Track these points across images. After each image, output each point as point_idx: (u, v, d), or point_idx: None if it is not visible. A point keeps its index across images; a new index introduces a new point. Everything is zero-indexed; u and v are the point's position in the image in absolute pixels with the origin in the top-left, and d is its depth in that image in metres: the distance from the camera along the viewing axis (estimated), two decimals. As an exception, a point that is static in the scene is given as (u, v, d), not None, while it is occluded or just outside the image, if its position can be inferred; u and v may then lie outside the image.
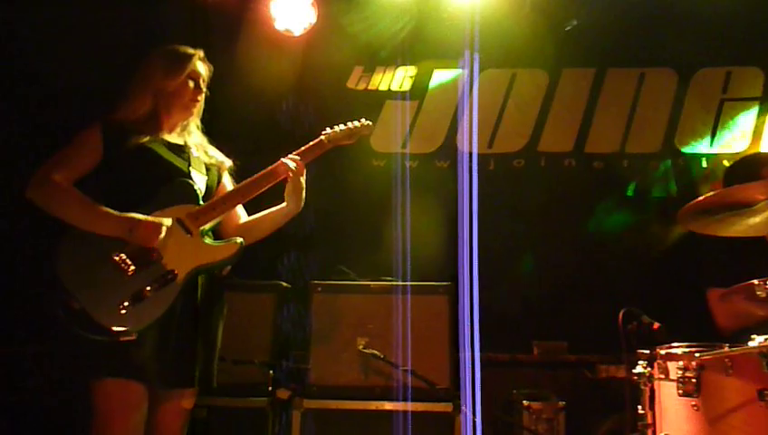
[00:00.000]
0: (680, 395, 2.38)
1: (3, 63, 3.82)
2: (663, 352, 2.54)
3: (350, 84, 4.72)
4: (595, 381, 3.66)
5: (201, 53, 2.42)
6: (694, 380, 2.35)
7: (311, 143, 2.52)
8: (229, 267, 2.37)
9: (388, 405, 3.23)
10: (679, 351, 2.48)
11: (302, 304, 3.49)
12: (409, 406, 3.21)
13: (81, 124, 2.31)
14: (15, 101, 3.90)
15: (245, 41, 4.26)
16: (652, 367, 2.57)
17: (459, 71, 4.69)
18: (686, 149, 4.49)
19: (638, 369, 2.59)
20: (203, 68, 2.42)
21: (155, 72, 2.35)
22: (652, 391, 2.55)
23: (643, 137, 4.53)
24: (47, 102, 3.90)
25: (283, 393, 3.13)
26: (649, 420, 2.54)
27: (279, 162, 2.41)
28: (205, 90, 2.43)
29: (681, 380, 2.39)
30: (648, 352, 2.61)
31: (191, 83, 2.37)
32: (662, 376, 2.50)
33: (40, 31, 3.79)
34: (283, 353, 3.45)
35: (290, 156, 2.44)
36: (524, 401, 3.55)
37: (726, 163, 4.35)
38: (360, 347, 3.29)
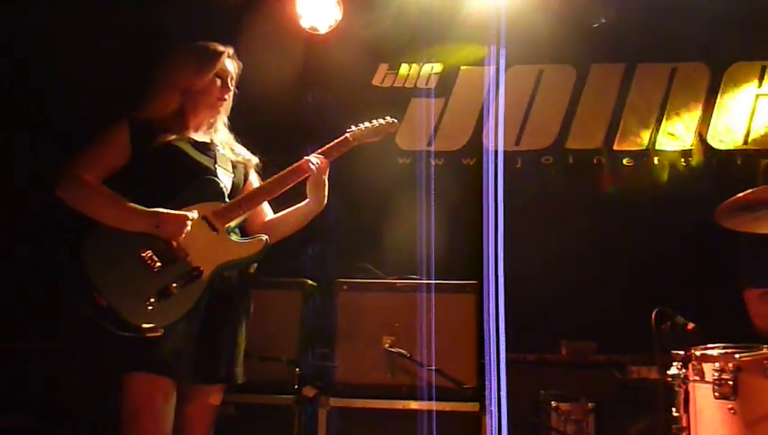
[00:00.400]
0: (716, 398, 2.32)
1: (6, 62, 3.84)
2: (698, 353, 2.47)
3: (376, 82, 4.69)
4: (625, 383, 3.58)
5: (230, 51, 2.40)
6: (731, 382, 2.29)
7: (336, 141, 2.49)
8: (255, 265, 2.36)
9: (414, 404, 3.21)
10: (715, 352, 2.41)
11: (328, 301, 3.48)
12: (435, 405, 3.18)
13: (92, 121, 2.31)
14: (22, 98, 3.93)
15: (271, 38, 4.25)
16: (687, 369, 2.50)
17: (485, 67, 4.63)
18: (720, 146, 4.37)
19: (673, 370, 2.52)
20: (232, 65, 2.39)
21: (182, 69, 2.33)
22: (687, 393, 2.48)
23: (674, 134, 4.43)
24: (55, 100, 3.92)
25: (309, 391, 3.11)
26: (684, 424, 2.47)
27: (303, 160, 2.39)
28: (233, 88, 2.41)
29: (717, 382, 2.33)
30: (682, 353, 2.54)
31: (219, 81, 2.35)
32: (697, 378, 2.44)
33: (47, 27, 3.81)
34: (309, 351, 3.43)
35: (314, 154, 2.42)
36: (553, 402, 3.49)
37: (764, 161, 4.24)
38: (386, 346, 3.27)
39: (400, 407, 3.21)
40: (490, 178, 4.28)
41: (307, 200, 2.42)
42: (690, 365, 2.49)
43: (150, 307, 2.09)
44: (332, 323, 3.39)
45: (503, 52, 4.44)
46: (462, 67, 4.65)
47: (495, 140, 4.53)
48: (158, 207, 2.19)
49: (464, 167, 4.54)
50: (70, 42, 3.76)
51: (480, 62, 4.62)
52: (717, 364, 2.33)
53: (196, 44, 2.40)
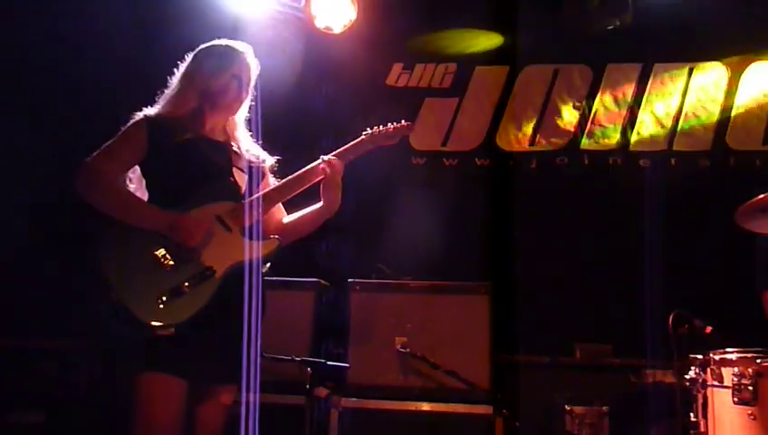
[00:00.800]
0: (735, 403, 2.28)
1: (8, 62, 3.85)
2: (717, 357, 2.43)
3: (390, 81, 4.67)
4: (641, 387, 3.53)
5: (249, 51, 2.39)
6: (750, 387, 2.25)
7: (351, 143, 2.48)
8: (268, 265, 2.34)
9: (426, 406, 3.18)
10: (735, 356, 2.37)
11: (341, 302, 3.46)
12: (448, 407, 3.16)
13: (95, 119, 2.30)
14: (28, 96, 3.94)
15: (286, 38, 4.25)
16: (705, 373, 2.46)
17: (500, 67, 4.60)
18: (738, 147, 4.30)
19: (691, 374, 2.47)
20: (250, 66, 2.39)
21: (200, 69, 2.34)
22: (705, 398, 2.44)
23: (692, 134, 4.36)
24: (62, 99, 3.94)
25: (322, 392, 3.10)
26: (702, 429, 2.43)
27: (317, 161, 2.38)
28: (251, 88, 2.40)
29: (737, 387, 2.29)
30: (700, 356, 2.50)
31: (236, 82, 2.35)
32: (716, 383, 2.40)
33: (56, 24, 3.82)
34: (321, 351, 3.42)
35: (329, 155, 2.41)
36: (566, 406, 3.45)
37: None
38: (399, 347, 3.25)
39: (413, 408, 3.18)
40: (505, 179, 4.26)
41: (321, 202, 2.40)
42: (708, 369, 2.44)
43: (162, 305, 2.08)
44: (345, 324, 3.37)
45: (518, 51, 4.43)
46: (477, 67, 4.62)
47: (511, 140, 4.51)
48: (172, 204, 2.19)
49: (478, 167, 4.51)
50: (87, 36, 3.78)
51: (495, 62, 4.59)
52: (737, 369, 2.29)
53: (214, 45, 2.40)
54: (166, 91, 2.37)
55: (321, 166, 2.36)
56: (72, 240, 2.82)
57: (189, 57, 2.39)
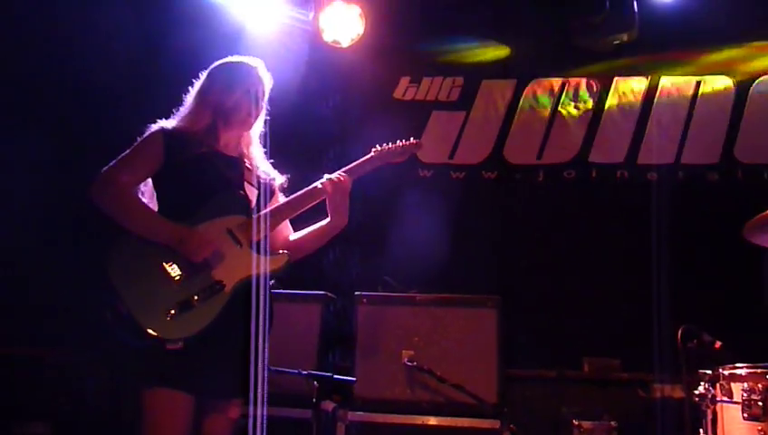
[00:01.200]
0: (745, 419, 2.27)
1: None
2: (726, 372, 2.42)
3: (397, 95, 4.70)
4: (650, 402, 3.51)
5: (262, 67, 2.42)
6: (760, 403, 2.24)
7: (360, 160, 2.49)
8: (274, 281, 2.36)
9: (433, 420, 3.17)
10: (744, 371, 2.35)
11: (348, 315, 3.46)
12: (456, 422, 3.15)
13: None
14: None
15: (293, 52, 4.29)
16: (714, 388, 2.45)
17: (507, 80, 4.62)
18: (746, 160, 4.30)
19: (700, 390, 2.46)
20: (263, 81, 2.42)
21: (214, 86, 2.37)
22: (714, 413, 2.42)
23: (700, 147, 4.36)
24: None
25: (328, 405, 3.09)
26: (712, 445, 2.41)
27: (323, 179, 2.40)
28: (264, 104, 2.43)
29: (746, 402, 2.27)
30: (709, 372, 2.49)
31: (249, 98, 2.38)
32: (725, 398, 2.39)
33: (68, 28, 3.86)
34: (327, 365, 3.42)
35: (337, 172, 2.42)
36: (574, 420, 3.43)
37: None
38: (406, 360, 3.24)
39: (420, 423, 3.17)
40: (513, 192, 4.25)
41: (328, 219, 2.42)
42: (718, 385, 2.43)
43: (171, 319, 2.09)
44: (352, 337, 3.37)
45: (524, 64, 4.44)
46: (484, 80, 4.64)
47: (519, 153, 4.51)
48: (183, 217, 2.22)
49: (485, 180, 4.52)
50: (103, 45, 3.81)
51: (502, 75, 4.61)
52: (746, 384, 2.28)
53: (228, 61, 2.43)
54: (181, 107, 2.40)
55: (326, 184, 2.37)
56: (81, 249, 2.85)
57: (204, 74, 2.42)
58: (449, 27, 4.52)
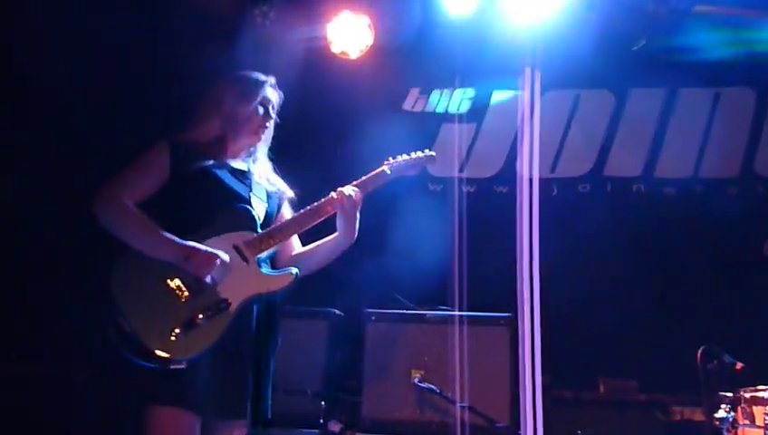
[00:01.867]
0: (769, 444, 2.24)
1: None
2: (748, 395, 2.40)
3: (406, 107, 4.72)
4: (668, 425, 3.49)
5: (272, 80, 2.45)
6: (784, 428, 2.21)
7: (372, 173, 2.49)
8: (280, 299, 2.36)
9: (443, 442, 3.16)
10: (767, 395, 2.34)
11: (356, 333, 3.46)
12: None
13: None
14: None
15: (301, 64, 4.32)
16: (735, 411, 2.43)
17: (519, 92, 4.63)
18: (768, 175, 4.29)
19: (721, 413, 2.45)
20: (273, 95, 2.45)
21: (226, 97, 2.39)
22: (736, 438, 2.41)
23: (719, 161, 4.36)
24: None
25: (335, 426, 3.09)
26: (733, 471, 2.39)
27: (336, 192, 2.40)
28: (274, 116, 2.45)
29: (770, 427, 2.25)
30: (730, 394, 2.47)
31: (261, 110, 2.40)
32: (747, 422, 2.38)
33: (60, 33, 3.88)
34: (335, 384, 3.42)
35: (348, 186, 2.43)
36: (590, 444, 3.41)
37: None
38: (415, 380, 3.24)
39: (429, 445, 3.16)
40: (525, 207, 4.25)
41: (336, 234, 2.42)
42: (739, 408, 2.42)
43: (175, 338, 2.10)
44: (360, 356, 3.37)
45: (537, 76, 4.44)
46: (495, 92, 4.66)
47: (531, 167, 4.51)
48: (190, 232, 2.22)
49: (497, 194, 4.52)
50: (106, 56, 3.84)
51: (514, 87, 4.62)
52: (769, 408, 2.26)
53: (240, 74, 2.46)
54: (189, 116, 2.41)
55: (338, 198, 2.37)
56: (84, 266, 2.87)
57: (214, 84, 2.44)
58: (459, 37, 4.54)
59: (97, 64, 3.84)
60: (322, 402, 3.20)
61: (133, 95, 3.86)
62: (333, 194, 2.40)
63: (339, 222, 2.40)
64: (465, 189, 4.56)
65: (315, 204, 2.40)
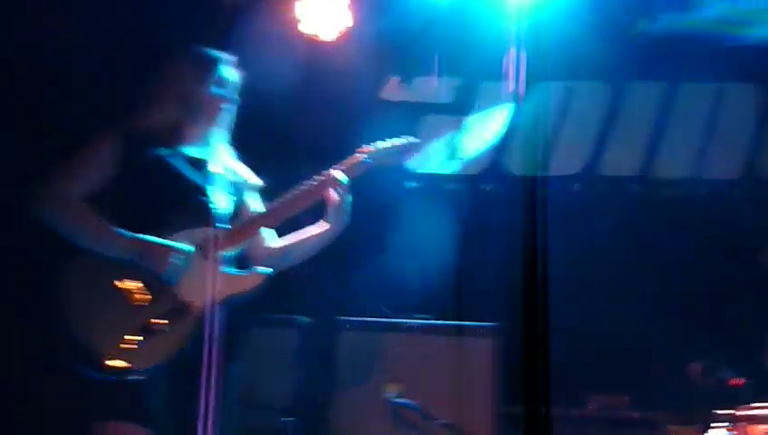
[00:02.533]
0: (766, 465, 2.31)
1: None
2: (745, 413, 2.48)
3: (385, 95, 4.73)
4: (663, 444, 3.57)
5: (232, 59, 2.42)
6: (783, 448, 2.28)
7: (348, 161, 2.45)
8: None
9: (420, 463, 3.20)
10: (765, 412, 2.41)
11: (327, 343, 3.48)
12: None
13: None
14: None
15: (269, 46, 4.31)
16: (733, 430, 2.51)
17: (506, 81, 4.67)
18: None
19: (717, 432, 2.52)
20: (232, 75, 2.41)
21: (179, 77, 2.36)
22: (733, 458, 2.48)
23: (722, 161, 4.45)
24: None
25: (303, 444, 3.12)
26: (729, 493, 2.47)
27: (322, 178, 2.36)
28: (235, 99, 2.42)
29: (767, 447, 2.32)
30: (727, 412, 2.55)
31: (219, 91, 2.37)
32: (745, 442, 2.44)
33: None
34: (304, 399, 3.44)
35: (335, 169, 2.38)
36: (579, 464, 3.48)
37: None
38: (391, 395, 3.27)
39: (405, 466, 3.20)
40: (513, 206, 4.29)
41: (323, 224, 2.40)
42: (737, 426, 2.49)
43: (130, 346, 2.11)
44: (331, 368, 3.39)
45: (527, 67, 4.49)
46: (482, 82, 4.70)
47: (520, 163, 4.57)
48: (146, 230, 2.20)
49: (482, 193, 4.56)
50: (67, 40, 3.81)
51: (502, 77, 4.66)
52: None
53: (194, 51, 2.42)
54: (138, 99, 2.38)
55: (326, 184, 2.34)
56: (29, 267, 2.84)
57: (166, 63, 2.41)
58: (445, 23, 4.57)
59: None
60: (290, 419, 3.21)
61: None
62: (319, 177, 2.35)
63: (330, 211, 2.37)
64: (448, 187, 4.59)
65: (295, 192, 2.35)
